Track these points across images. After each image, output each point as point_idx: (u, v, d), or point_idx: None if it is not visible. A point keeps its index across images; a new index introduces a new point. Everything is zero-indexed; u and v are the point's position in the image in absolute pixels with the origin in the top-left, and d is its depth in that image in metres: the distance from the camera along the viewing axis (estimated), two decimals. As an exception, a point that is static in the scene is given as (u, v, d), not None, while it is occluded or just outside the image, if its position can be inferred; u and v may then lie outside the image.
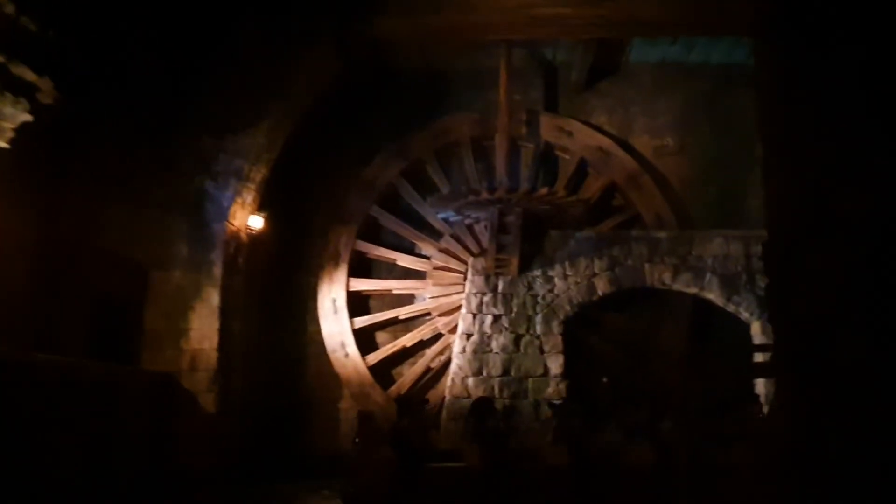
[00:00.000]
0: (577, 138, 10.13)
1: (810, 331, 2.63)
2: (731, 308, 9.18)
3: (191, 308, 8.10)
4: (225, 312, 8.22)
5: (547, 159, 10.36)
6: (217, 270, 8.16)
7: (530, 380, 8.92)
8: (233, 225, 8.34)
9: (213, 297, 8.11)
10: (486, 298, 9.11)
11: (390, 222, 10.22)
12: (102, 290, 8.08)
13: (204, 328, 8.07)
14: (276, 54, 8.30)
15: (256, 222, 8.72)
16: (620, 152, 10.08)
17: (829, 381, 2.48)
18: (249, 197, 8.58)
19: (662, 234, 9.35)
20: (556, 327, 9.10)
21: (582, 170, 10.22)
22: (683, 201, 10.29)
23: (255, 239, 8.92)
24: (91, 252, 7.95)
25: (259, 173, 8.61)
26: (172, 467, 7.51)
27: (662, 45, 10.14)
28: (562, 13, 8.33)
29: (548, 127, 10.21)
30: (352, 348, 9.90)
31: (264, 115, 8.38)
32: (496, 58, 9.64)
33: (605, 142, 10.12)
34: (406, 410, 7.20)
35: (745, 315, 9.15)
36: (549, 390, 8.84)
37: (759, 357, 8.76)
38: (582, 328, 9.45)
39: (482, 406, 6.97)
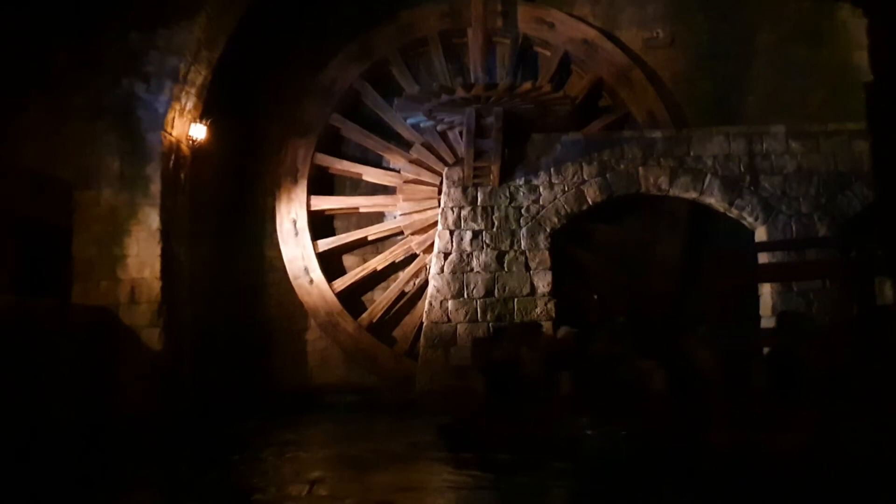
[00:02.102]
0: (559, 30, 9.05)
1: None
2: (733, 213, 8.34)
3: (126, 232, 7.06)
4: (167, 236, 7.18)
5: (525, 56, 9.26)
6: (155, 188, 7.08)
7: (516, 300, 8.06)
8: (171, 135, 7.23)
9: (152, 219, 7.06)
10: (464, 212, 8.17)
11: (353, 132, 9.13)
12: (23, 215, 6.95)
13: (143, 254, 7.04)
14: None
15: (199, 132, 7.60)
16: (608, 45, 9.04)
17: None
18: (189, 103, 7.44)
19: (657, 134, 8.40)
20: (542, 241, 8.19)
21: (565, 66, 9.17)
22: (676, 99, 9.32)
23: (200, 152, 7.82)
24: (5, 170, 6.80)
25: (199, 75, 7.46)
26: (115, 414, 6.57)
27: (652, -78, 9.03)
28: None
29: (526, 18, 9.09)
30: (316, 274, 8.93)
31: (201, 4, 7.17)
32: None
33: (591, 33, 9.06)
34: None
35: (748, 220, 8.32)
36: (537, 311, 8.00)
37: (764, 259, 8.18)
38: (571, 242, 8.54)
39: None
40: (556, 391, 5.54)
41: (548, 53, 9.16)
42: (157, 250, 7.05)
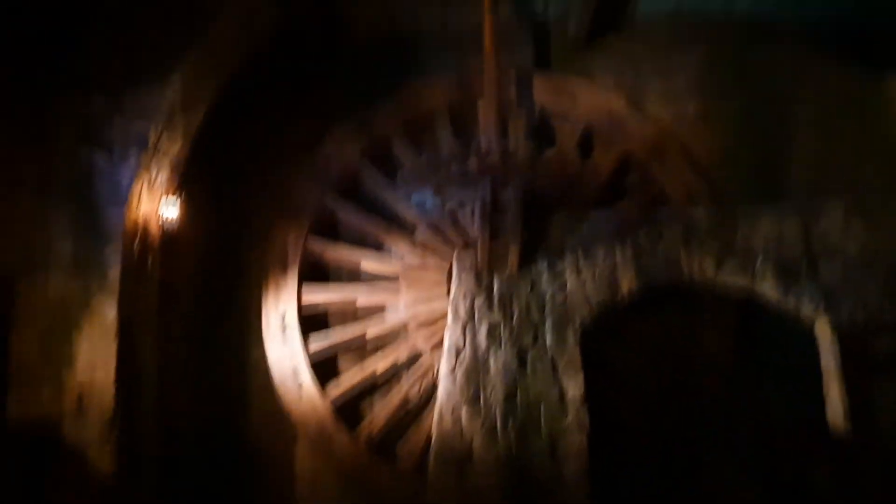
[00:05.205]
0: (580, 101, 8.14)
1: None
2: (789, 303, 7.18)
3: (77, 326, 5.90)
4: (127, 331, 6.00)
5: (542, 130, 8.31)
6: (113, 273, 5.95)
7: (542, 406, 6.78)
8: (136, 211, 6.15)
9: (108, 310, 5.90)
10: (478, 302, 6.99)
11: (351, 214, 8.07)
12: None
13: (95, 353, 5.85)
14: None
15: (171, 209, 6.53)
16: (636, 117, 8.12)
17: None
18: (161, 175, 6.42)
19: (699, 213, 7.33)
20: (570, 337, 6.98)
21: (587, 140, 8.21)
22: (713, 175, 8.33)
23: (173, 233, 6.74)
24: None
25: (174, 144, 6.46)
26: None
27: (678, -13, 8.26)
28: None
29: (543, 89, 8.19)
30: (306, 377, 7.69)
31: (176, 64, 6.24)
32: (474, 13, 7.64)
33: (617, 104, 8.14)
34: None
35: (807, 310, 7.16)
36: (568, 419, 6.73)
37: (829, 362, 7.03)
38: (603, 336, 7.34)
39: None
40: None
41: (568, 126, 8.23)
42: (113, 348, 5.86)
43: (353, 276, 8.16)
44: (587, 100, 8.15)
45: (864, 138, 8.57)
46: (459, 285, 7.05)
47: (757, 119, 8.68)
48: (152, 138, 6.17)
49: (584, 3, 8.04)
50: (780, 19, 8.46)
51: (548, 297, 7.09)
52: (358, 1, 7.96)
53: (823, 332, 7.16)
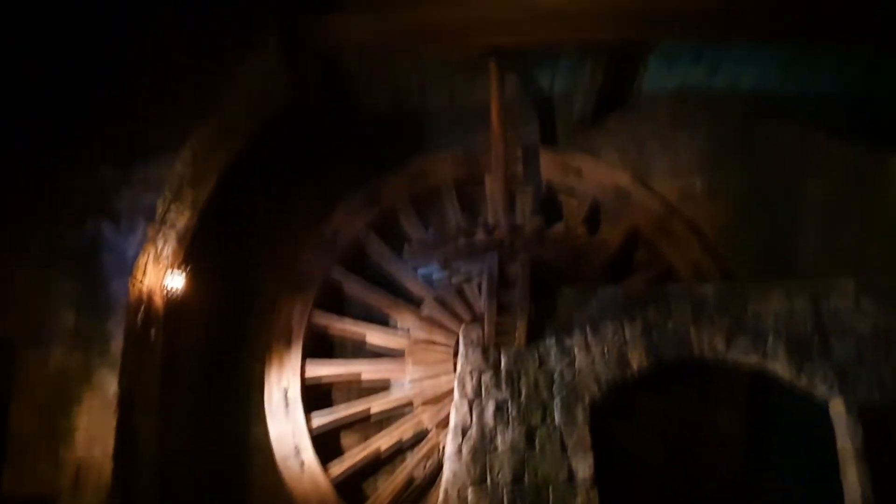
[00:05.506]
0: (587, 177, 8.19)
1: None
2: (802, 381, 7.04)
3: (76, 399, 5.77)
4: (127, 405, 5.88)
5: (549, 204, 8.33)
6: (116, 346, 5.86)
7: (551, 487, 6.57)
8: (140, 283, 6.09)
9: (109, 383, 5.79)
10: (485, 379, 6.86)
11: (356, 287, 8.03)
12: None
13: (94, 427, 5.71)
14: (203, 57, 6.33)
15: (176, 281, 6.49)
16: (642, 192, 8.15)
17: None
18: (167, 247, 6.39)
19: (708, 289, 7.25)
20: (580, 415, 6.82)
21: (594, 216, 8.21)
22: (720, 252, 8.30)
23: (178, 306, 6.68)
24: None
25: (181, 216, 6.46)
26: None
27: (682, 66, 8.35)
28: (568, 4, 6.57)
29: (550, 165, 8.26)
30: (309, 455, 7.51)
31: (186, 137, 6.29)
32: (480, 90, 7.80)
33: (623, 180, 8.19)
34: None
35: (820, 389, 7.01)
36: (578, 501, 6.51)
37: (845, 443, 6.84)
38: (613, 414, 7.19)
39: None
40: None
41: (574, 202, 8.24)
42: (112, 422, 5.72)
43: (358, 350, 8.06)
44: (593, 175, 8.20)
45: (871, 215, 8.54)
46: (466, 361, 6.93)
47: (763, 195, 8.70)
48: (160, 210, 6.17)
49: (590, 81, 8.15)
50: (784, 95, 8.55)
51: (556, 373, 6.95)
52: (366, 78, 8.05)
53: (838, 412, 6.98)
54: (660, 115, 8.81)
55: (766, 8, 6.60)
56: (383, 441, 7.68)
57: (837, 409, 7.05)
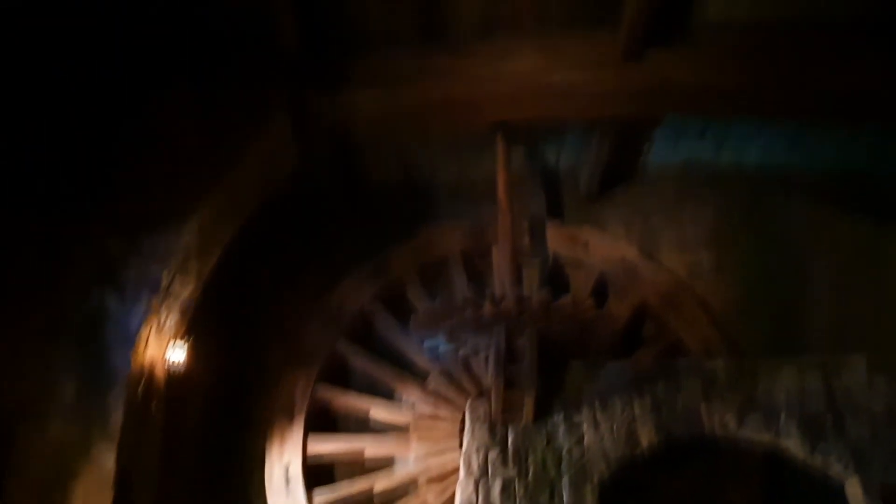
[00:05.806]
0: (594, 250, 8.18)
1: None
2: (817, 460, 6.86)
3: (73, 475, 5.61)
4: (125, 481, 5.71)
5: (555, 277, 8.30)
6: (115, 420, 5.73)
7: (560, 571, 6.36)
8: (142, 356, 6.01)
9: (107, 459, 5.63)
10: (491, 456, 6.70)
11: (361, 360, 7.93)
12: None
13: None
14: (213, 133, 6.40)
15: (178, 354, 6.40)
16: (650, 266, 8.12)
17: None
18: (171, 319, 6.33)
19: (718, 365, 7.14)
20: (589, 495, 6.63)
21: (601, 289, 8.16)
22: (729, 327, 8.20)
23: (179, 379, 6.56)
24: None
25: (185, 288, 6.41)
26: None
27: (687, 140, 8.42)
28: (577, 80, 6.63)
29: (557, 237, 8.26)
30: (310, 535, 7.31)
31: (195, 210, 6.30)
32: (488, 163, 7.85)
33: (631, 253, 8.17)
34: None
35: (836, 469, 6.82)
36: (587, 586, 6.29)
37: None
38: (621, 494, 6.98)
39: None
40: None
41: (582, 274, 8.21)
42: (108, 500, 5.56)
43: (362, 425, 7.90)
44: (600, 249, 8.19)
45: (881, 291, 8.47)
46: (472, 437, 6.77)
47: (771, 270, 8.65)
48: (164, 281, 6.13)
49: (596, 155, 8.22)
50: (791, 170, 8.56)
51: (564, 451, 6.79)
52: (374, 151, 8.13)
53: (855, 494, 6.78)
54: (666, 189, 8.85)
55: (771, 88, 6.64)
56: (387, 520, 7.48)
57: (854, 489, 6.85)
